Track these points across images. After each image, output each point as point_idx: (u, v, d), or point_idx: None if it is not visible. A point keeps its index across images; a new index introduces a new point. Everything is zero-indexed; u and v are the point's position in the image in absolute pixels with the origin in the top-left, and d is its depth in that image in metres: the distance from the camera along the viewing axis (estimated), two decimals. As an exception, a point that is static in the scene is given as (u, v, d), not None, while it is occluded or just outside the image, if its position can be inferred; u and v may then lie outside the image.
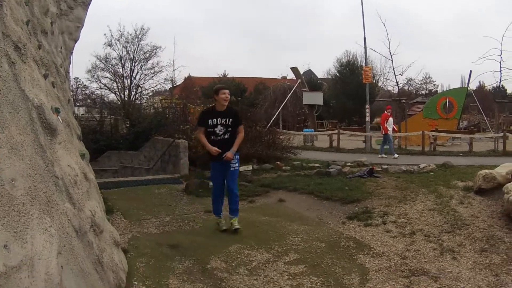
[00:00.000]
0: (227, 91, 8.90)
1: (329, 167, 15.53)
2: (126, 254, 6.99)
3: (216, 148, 8.54)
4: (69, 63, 11.65)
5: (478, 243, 7.87)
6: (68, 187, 4.64)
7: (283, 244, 8.00)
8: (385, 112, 23.72)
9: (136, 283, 6.02)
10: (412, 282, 6.36)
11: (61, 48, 8.52)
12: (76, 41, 11.31)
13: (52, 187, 4.18)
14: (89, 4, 11.46)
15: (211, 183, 9.75)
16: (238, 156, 8.96)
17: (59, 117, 5.22)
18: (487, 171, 10.72)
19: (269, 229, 8.96)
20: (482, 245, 7.77)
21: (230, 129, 8.73)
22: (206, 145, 8.71)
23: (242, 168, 14.36)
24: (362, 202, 10.72)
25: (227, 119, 8.71)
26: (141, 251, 7.34)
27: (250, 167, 14.90)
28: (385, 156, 22.24)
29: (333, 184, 12.48)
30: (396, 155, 21.99)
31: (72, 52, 11.56)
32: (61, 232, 4.01)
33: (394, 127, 23.56)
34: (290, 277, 6.54)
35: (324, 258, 7.29)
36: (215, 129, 8.68)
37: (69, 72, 11.51)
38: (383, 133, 23.12)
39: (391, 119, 23.25)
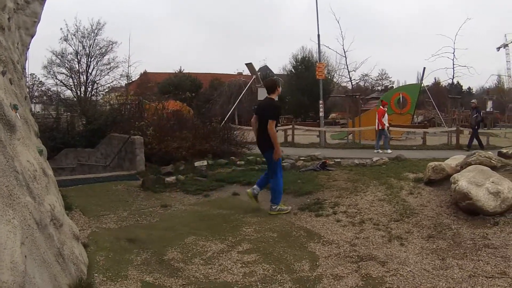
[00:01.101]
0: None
1: (283, 161, 15.73)
2: (86, 248, 7.16)
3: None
4: (26, 59, 11.63)
5: (426, 230, 8.14)
6: (28, 181, 4.79)
7: (237, 234, 8.24)
8: (381, 107, 23.96)
9: (97, 275, 6.21)
10: (360, 266, 6.56)
11: (17, 44, 8.54)
12: (32, 37, 11.25)
13: (13, 181, 4.32)
14: (46, -1, 11.43)
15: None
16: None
17: (17, 113, 5.33)
18: (436, 163, 11.07)
19: (223, 221, 9.22)
20: (430, 232, 8.04)
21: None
22: (277, 144, 9.80)
23: (197, 163, 14.60)
24: (314, 194, 10.95)
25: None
26: (101, 245, 7.53)
27: (205, 162, 15.05)
28: (381, 151, 22.20)
29: (286, 178, 12.39)
30: (390, 151, 21.88)
31: (29, 47, 11.51)
32: (23, 224, 4.19)
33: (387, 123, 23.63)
34: (244, 265, 6.75)
35: (276, 247, 7.51)
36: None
37: (25, 69, 11.50)
38: (380, 128, 23.20)
39: (386, 115, 23.41)
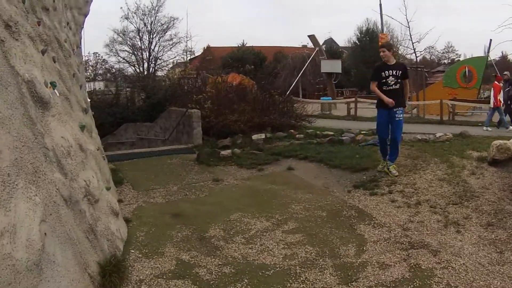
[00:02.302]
0: (382, 49, 10.52)
1: (342, 135, 15.42)
2: (128, 223, 7.19)
3: (391, 100, 10.03)
4: (80, 38, 11.67)
5: (486, 216, 7.56)
6: (60, 158, 4.77)
7: (284, 212, 8.04)
8: (496, 83, 22.35)
9: (133, 251, 6.17)
10: (410, 255, 6.22)
11: (67, 23, 8.53)
12: (86, 16, 11.31)
13: (41, 158, 4.30)
14: (98, -22, 11.42)
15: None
16: (402, 109, 10.35)
17: (55, 90, 5.33)
18: (501, 141, 10.35)
19: (273, 197, 9.02)
20: (490, 219, 7.45)
21: (399, 80, 10.21)
22: (380, 95, 10.25)
23: (254, 137, 14.48)
24: (371, 171, 10.56)
25: (397, 71, 10.20)
26: (144, 220, 7.50)
27: (262, 136, 14.93)
28: (490, 129, 20.47)
29: (344, 152, 12.37)
30: (490, 129, 20.46)
31: (83, 26, 11.57)
32: (48, 201, 4.15)
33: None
34: (286, 246, 6.56)
35: (323, 228, 7.28)
36: (387, 79, 10.22)
37: (80, 47, 11.53)
38: (495, 106, 21.68)
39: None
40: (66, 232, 4.38)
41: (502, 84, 22.02)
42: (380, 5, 28.54)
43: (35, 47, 5.19)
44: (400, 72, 10.26)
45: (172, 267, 5.80)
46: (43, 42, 5.60)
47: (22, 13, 5.08)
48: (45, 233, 3.84)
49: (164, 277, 5.55)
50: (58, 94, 5.46)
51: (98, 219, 5.44)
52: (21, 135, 4.05)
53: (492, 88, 22.25)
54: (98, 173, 6.39)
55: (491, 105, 21.80)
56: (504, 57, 62.08)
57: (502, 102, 21.56)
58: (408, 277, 5.59)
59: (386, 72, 10.29)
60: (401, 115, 10.29)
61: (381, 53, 10.40)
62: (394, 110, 10.19)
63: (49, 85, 5.11)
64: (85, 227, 4.98)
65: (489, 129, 20.48)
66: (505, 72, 24.66)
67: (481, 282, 5.38)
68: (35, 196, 3.88)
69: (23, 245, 3.46)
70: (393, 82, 10.24)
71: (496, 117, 21.69)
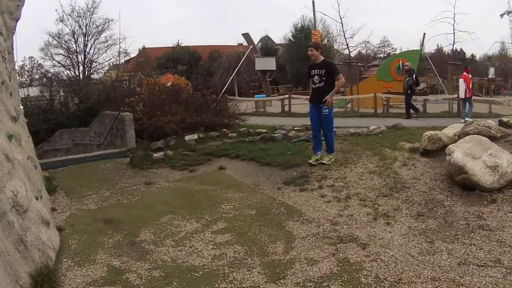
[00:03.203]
0: (309, 48, 11.01)
1: (275, 132, 15.55)
2: (61, 232, 7.17)
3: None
4: (12, 43, 11.51)
5: (416, 207, 7.71)
6: (-15, 169, 4.67)
7: (214, 212, 8.12)
8: (465, 74, 22.65)
9: (65, 260, 6.16)
10: (338, 250, 6.27)
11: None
12: (17, 20, 11.13)
13: None
14: (29, -18, 11.28)
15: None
16: (327, 105, 10.81)
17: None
18: (432, 132, 10.71)
19: (204, 198, 9.08)
20: (420, 209, 7.60)
21: (324, 78, 10.75)
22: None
23: (187, 138, 14.55)
24: (302, 167, 10.68)
25: (321, 70, 10.77)
26: (76, 228, 7.48)
27: (195, 136, 14.99)
28: (470, 119, 19.66)
29: (276, 149, 12.52)
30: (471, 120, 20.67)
31: (14, 31, 11.41)
32: None
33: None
34: (215, 246, 6.62)
35: (252, 226, 7.36)
36: (314, 78, 10.95)
37: (12, 53, 11.37)
38: (468, 95, 22.03)
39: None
40: (-6, 244, 4.37)
41: (470, 76, 22.87)
42: (313, 2, 28.88)
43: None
44: (324, 70, 10.77)
45: (104, 274, 5.81)
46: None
47: None
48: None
49: (96, 284, 5.56)
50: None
51: (27, 230, 5.41)
52: None
53: (462, 80, 22.58)
54: (27, 182, 6.37)
55: (462, 95, 22.25)
56: (439, 50, 63.44)
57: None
58: (336, 271, 5.63)
59: (313, 70, 10.97)
60: (327, 110, 10.82)
61: (309, 52, 10.93)
62: (320, 105, 10.79)
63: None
64: (14, 238, 4.95)
65: (468, 119, 20.08)
66: (406, 63, 25.30)
67: (410, 273, 5.43)
68: (-41, 209, 3.86)
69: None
70: (317, 81, 10.86)
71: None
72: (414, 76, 23.30)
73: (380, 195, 8.48)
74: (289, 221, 7.56)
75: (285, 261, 6.05)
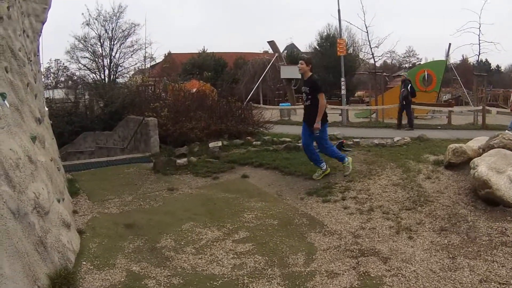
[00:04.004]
0: (300, 61, 10.55)
1: (299, 141, 15.42)
2: (81, 234, 7.15)
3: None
4: (38, 45, 11.60)
5: (439, 221, 7.58)
6: (7, 170, 4.74)
7: (236, 221, 8.08)
8: None
9: (85, 263, 6.14)
10: (359, 263, 6.21)
11: (23, 31, 8.47)
12: (43, 23, 11.25)
13: None
14: (55, -16, 11.39)
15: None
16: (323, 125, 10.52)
17: (5, 102, 5.32)
18: (456, 145, 10.48)
19: (226, 206, 9.05)
20: (443, 223, 7.47)
21: (309, 96, 10.33)
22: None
23: (211, 145, 14.48)
24: (325, 177, 10.56)
25: (306, 88, 10.44)
26: (97, 231, 7.46)
27: (219, 143, 14.91)
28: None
29: (299, 159, 12.38)
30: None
31: (41, 34, 11.50)
32: None
33: None
34: (235, 256, 6.59)
35: (273, 236, 7.31)
36: (303, 95, 10.67)
37: (38, 55, 11.46)
38: None
39: None
40: (14, 245, 4.37)
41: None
42: (339, 10, 28.64)
43: (-16, 58, 5.19)
44: (308, 88, 10.45)
45: (122, 279, 5.80)
46: (-6, 53, 5.57)
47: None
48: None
49: (114, 288, 5.57)
50: (8, 106, 5.44)
51: (48, 231, 5.41)
52: (-33, 150, 4.06)
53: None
54: (49, 184, 6.37)
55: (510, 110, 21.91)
56: (464, 60, 62.87)
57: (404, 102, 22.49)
58: (356, 285, 5.58)
59: (302, 87, 10.83)
60: (318, 133, 10.48)
61: (299, 65, 10.60)
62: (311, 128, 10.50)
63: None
64: (35, 239, 4.96)
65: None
66: (402, 73, 25.04)
67: None
68: (-20, 209, 3.84)
69: (-31, 258, 3.42)
70: (305, 98, 10.67)
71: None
72: (409, 86, 23.00)
73: (403, 208, 8.35)
74: (311, 232, 7.50)
75: (305, 273, 5.99)
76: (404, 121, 22.95)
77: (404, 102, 22.94)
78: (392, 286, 5.52)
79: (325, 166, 10.74)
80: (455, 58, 60.20)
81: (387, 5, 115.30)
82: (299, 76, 41.69)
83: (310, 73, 10.52)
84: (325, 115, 10.66)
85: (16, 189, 4.83)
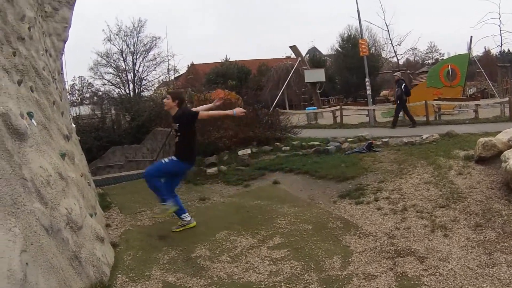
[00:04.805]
0: (167, 95, 8.80)
1: (328, 145, 15.38)
2: (115, 248, 7.16)
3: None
4: (61, 64, 11.72)
5: (474, 217, 7.48)
6: (39, 187, 4.78)
7: (270, 228, 8.04)
8: None
9: (120, 276, 6.13)
10: (396, 263, 6.16)
11: (45, 51, 8.54)
12: (65, 41, 11.36)
13: (20, 189, 4.32)
14: (74, 3, 11.49)
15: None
16: (172, 157, 8.45)
17: (33, 120, 5.35)
18: (486, 138, 10.33)
19: (259, 213, 9.03)
20: (478, 219, 7.37)
21: (178, 133, 8.45)
22: None
23: (240, 152, 14.48)
24: (357, 179, 10.52)
25: (175, 124, 8.52)
26: (131, 244, 7.47)
27: (248, 151, 14.90)
28: None
29: (329, 162, 12.38)
30: None
31: (63, 52, 11.60)
32: (28, 231, 4.19)
33: None
34: (271, 262, 6.55)
35: (308, 241, 7.26)
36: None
37: (62, 73, 11.56)
38: None
39: None
40: (48, 261, 4.41)
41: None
42: (358, 11, 28.34)
43: (10, 78, 5.21)
44: (178, 125, 8.50)
45: (159, 290, 5.79)
46: (19, 73, 5.63)
47: (-5, 45, 5.12)
48: (27, 263, 3.88)
49: (151, 300, 5.55)
50: (35, 124, 5.47)
51: (82, 246, 5.44)
52: (-2, 168, 4.07)
53: None
54: (81, 200, 6.39)
55: None
56: (487, 52, 62.24)
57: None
58: (394, 286, 5.53)
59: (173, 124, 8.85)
60: (166, 159, 8.57)
61: (164, 100, 9.01)
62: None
63: (26, 115, 5.12)
64: (69, 254, 5.00)
65: None
66: (396, 73, 24.90)
67: (470, 287, 5.30)
68: (14, 227, 3.93)
69: (4, 275, 3.52)
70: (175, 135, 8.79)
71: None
72: (403, 86, 22.98)
73: (437, 206, 8.27)
74: (345, 235, 7.46)
75: (342, 277, 5.94)
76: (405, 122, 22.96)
77: (398, 101, 23.12)
78: (430, 285, 5.46)
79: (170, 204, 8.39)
80: (477, 51, 59.53)
81: (405, 2, 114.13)
82: (323, 79, 41.35)
83: (177, 108, 8.53)
84: (191, 153, 8.69)
85: (48, 205, 4.87)
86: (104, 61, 45.27)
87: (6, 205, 4.00)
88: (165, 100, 8.77)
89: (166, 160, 8.51)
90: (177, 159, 8.34)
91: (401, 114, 24.30)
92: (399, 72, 25.93)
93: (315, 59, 60.32)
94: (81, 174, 7.71)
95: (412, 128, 21.59)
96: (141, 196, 11.08)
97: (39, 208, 4.60)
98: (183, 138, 8.42)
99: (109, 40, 44.08)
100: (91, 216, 6.66)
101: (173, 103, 8.46)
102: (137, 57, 45.05)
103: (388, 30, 34.32)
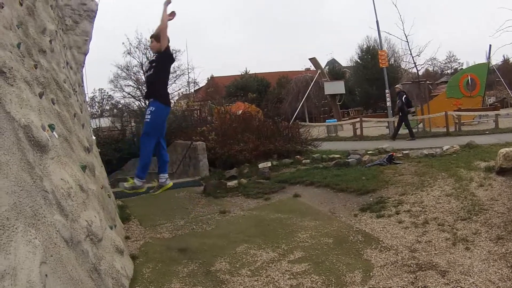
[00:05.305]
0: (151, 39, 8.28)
1: (348, 157, 15.31)
2: (135, 260, 7.19)
3: None
4: (82, 76, 11.80)
5: (495, 230, 7.39)
6: (60, 200, 4.77)
7: (291, 241, 7.99)
8: None
9: (139, 288, 6.11)
10: (417, 278, 6.10)
11: (66, 63, 8.60)
12: (86, 54, 11.47)
13: (40, 201, 4.31)
14: (95, 17, 11.60)
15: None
16: (152, 107, 7.80)
17: (54, 133, 5.35)
18: (507, 149, 10.26)
19: (279, 226, 8.97)
20: (499, 232, 7.28)
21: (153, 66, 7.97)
22: None
23: (261, 165, 14.45)
24: (378, 192, 10.46)
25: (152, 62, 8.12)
26: (150, 256, 7.50)
27: (268, 164, 14.87)
28: None
29: (350, 175, 12.32)
30: None
31: (84, 65, 11.69)
32: (48, 243, 4.16)
33: None
34: (292, 276, 6.50)
35: (329, 255, 7.22)
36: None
37: (82, 85, 11.64)
38: None
39: None
40: (68, 273, 4.37)
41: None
42: (377, 22, 28.24)
43: (32, 90, 5.23)
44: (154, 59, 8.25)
45: (178, 303, 5.77)
46: (40, 85, 5.65)
47: (18, 58, 5.12)
48: (46, 275, 3.85)
49: (170, 313, 5.54)
50: (57, 136, 5.49)
51: (101, 258, 5.44)
52: (19, 180, 4.06)
53: None
54: (101, 212, 6.40)
55: None
56: (506, 61, 61.78)
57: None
58: (415, 301, 5.45)
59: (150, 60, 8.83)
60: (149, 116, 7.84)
61: (149, 44, 8.99)
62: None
63: (47, 128, 5.14)
64: (88, 266, 4.99)
65: None
66: (396, 86, 24.83)
67: None
68: (34, 239, 3.90)
69: (24, 287, 3.48)
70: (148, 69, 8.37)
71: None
72: (404, 97, 22.92)
73: (458, 218, 8.21)
74: (367, 249, 7.41)
75: (363, 291, 5.86)
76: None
77: (400, 113, 23.06)
78: (451, 300, 5.35)
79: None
80: (496, 60, 58.94)
81: (423, 13, 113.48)
82: (343, 91, 41.19)
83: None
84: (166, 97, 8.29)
85: (68, 217, 4.86)
86: (124, 74, 45.58)
87: (26, 216, 3.97)
88: (150, 44, 8.43)
89: (148, 116, 7.77)
90: (159, 104, 7.82)
91: (420, 125, 24.23)
92: (399, 85, 25.96)
93: (334, 70, 60.36)
94: (101, 186, 7.74)
95: (435, 139, 21.46)
96: (161, 208, 11.13)
97: (59, 220, 4.58)
98: (157, 72, 8.01)
99: (129, 53, 44.33)
100: (111, 228, 6.67)
101: (158, 44, 8.07)
102: (157, 70, 45.33)
103: (407, 41, 33.96)
